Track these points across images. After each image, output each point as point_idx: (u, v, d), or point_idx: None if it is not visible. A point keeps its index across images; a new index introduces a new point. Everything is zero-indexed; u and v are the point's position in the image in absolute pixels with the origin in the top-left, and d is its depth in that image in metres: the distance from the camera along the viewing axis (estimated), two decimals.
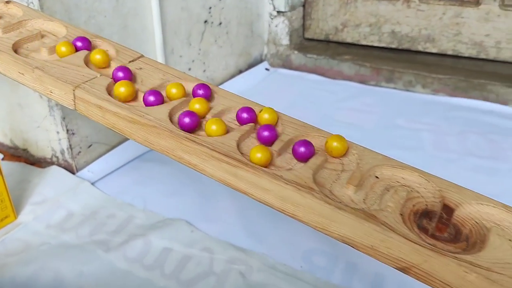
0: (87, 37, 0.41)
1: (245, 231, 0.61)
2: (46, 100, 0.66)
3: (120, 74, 0.36)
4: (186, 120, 0.32)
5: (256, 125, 0.33)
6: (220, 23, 0.90)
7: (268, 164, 0.30)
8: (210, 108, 0.34)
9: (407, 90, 0.95)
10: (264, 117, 0.33)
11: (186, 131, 0.32)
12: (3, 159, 0.75)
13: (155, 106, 0.33)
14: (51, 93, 0.36)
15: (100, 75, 0.36)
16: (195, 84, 0.36)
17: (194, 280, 0.54)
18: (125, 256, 0.57)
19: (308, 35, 1.10)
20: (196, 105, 0.33)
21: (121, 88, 0.33)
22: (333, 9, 1.03)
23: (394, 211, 0.28)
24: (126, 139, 0.76)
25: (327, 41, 1.09)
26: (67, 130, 0.68)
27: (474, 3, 0.92)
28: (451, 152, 0.76)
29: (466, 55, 0.97)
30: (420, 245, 0.26)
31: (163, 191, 0.68)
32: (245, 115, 0.32)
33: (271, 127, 0.32)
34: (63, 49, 0.37)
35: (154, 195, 0.68)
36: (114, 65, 0.38)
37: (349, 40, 1.06)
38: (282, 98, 0.95)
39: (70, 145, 0.69)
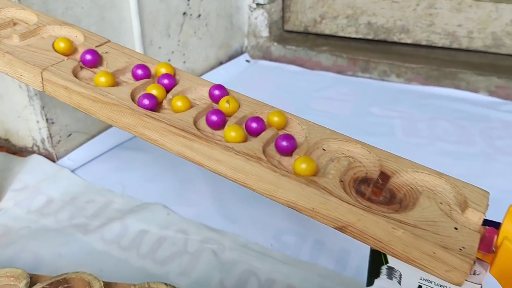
0: (58, 24, 0.43)
1: (219, 214, 0.64)
2: (26, 90, 0.68)
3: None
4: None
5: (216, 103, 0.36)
6: (199, 15, 0.92)
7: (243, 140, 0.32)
8: (168, 92, 0.36)
9: (382, 80, 0.98)
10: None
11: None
12: None
13: (117, 87, 0.35)
14: (21, 76, 0.38)
15: (67, 59, 0.38)
16: (160, 67, 0.39)
17: (168, 259, 0.56)
18: (102, 238, 0.59)
19: (287, 27, 1.12)
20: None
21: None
22: (311, 1, 1.06)
23: (334, 177, 0.30)
24: (106, 129, 0.78)
25: (306, 33, 1.11)
26: (47, 119, 0.70)
27: None
28: (421, 138, 0.78)
29: (440, 45, 1.00)
30: (354, 206, 0.28)
31: (141, 177, 0.71)
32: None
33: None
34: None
35: (132, 181, 0.70)
36: (81, 50, 0.40)
37: (327, 32, 1.08)
38: (261, 89, 0.98)
39: (50, 134, 0.71)
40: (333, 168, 0.31)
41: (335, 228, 0.29)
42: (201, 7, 0.92)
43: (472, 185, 0.31)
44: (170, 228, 0.61)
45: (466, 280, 0.27)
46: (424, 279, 0.29)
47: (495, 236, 0.28)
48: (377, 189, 0.30)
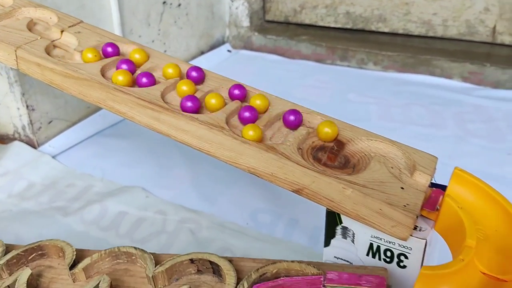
0: (33, 6, 0.44)
1: (197, 196, 0.65)
2: (6, 77, 0.69)
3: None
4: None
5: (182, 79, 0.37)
6: (179, 5, 0.93)
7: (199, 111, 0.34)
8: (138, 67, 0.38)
9: (360, 68, 1.00)
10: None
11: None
12: None
13: (88, 63, 0.37)
14: None
15: (40, 38, 0.40)
16: (132, 47, 0.40)
17: (147, 238, 0.58)
18: (82, 219, 0.60)
19: (268, 17, 1.14)
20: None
21: (119, 77, 0.35)
22: None
23: (292, 144, 0.32)
24: (86, 116, 0.79)
25: (287, 23, 1.13)
26: (27, 106, 0.71)
27: None
28: (395, 122, 0.81)
29: (416, 33, 1.02)
30: (309, 169, 0.30)
31: (121, 163, 0.72)
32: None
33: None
34: None
35: (112, 166, 0.71)
36: (55, 30, 0.41)
37: (307, 21, 1.10)
38: (243, 78, 0.99)
39: (31, 121, 0.72)
40: (292, 137, 0.33)
41: (293, 191, 0.31)
42: None
43: (421, 151, 0.33)
44: (149, 209, 0.62)
45: (412, 236, 0.29)
46: (374, 237, 0.31)
47: (441, 197, 0.31)
48: (332, 155, 0.32)
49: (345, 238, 0.32)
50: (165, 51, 0.93)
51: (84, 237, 0.57)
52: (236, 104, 0.35)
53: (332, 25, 1.08)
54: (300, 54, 1.05)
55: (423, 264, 0.29)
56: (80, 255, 0.33)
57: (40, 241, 0.35)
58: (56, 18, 0.43)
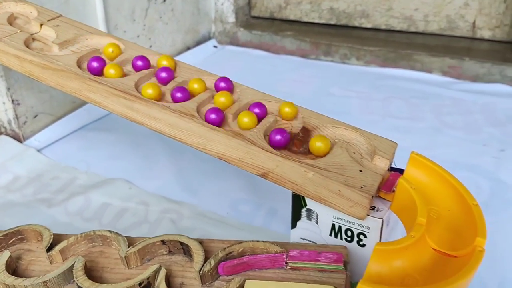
0: (13, 0, 0.45)
1: (180, 187, 0.67)
2: None
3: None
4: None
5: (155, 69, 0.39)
6: (164, 0, 0.95)
7: (160, 99, 0.36)
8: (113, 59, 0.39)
9: (343, 63, 1.02)
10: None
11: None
12: None
13: (64, 55, 0.38)
14: None
15: (20, 31, 0.41)
16: (108, 38, 0.41)
17: (129, 228, 0.59)
18: (66, 210, 0.62)
19: (254, 13, 1.15)
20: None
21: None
22: None
23: (259, 131, 0.34)
24: (71, 111, 0.81)
25: (272, 19, 1.14)
26: (12, 100, 0.72)
27: None
28: (375, 115, 0.83)
29: (398, 29, 1.04)
30: (273, 154, 0.32)
31: (105, 156, 0.73)
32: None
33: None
34: None
35: (97, 159, 0.72)
36: (34, 23, 0.43)
37: (292, 17, 1.12)
38: (229, 73, 1.00)
39: (16, 115, 0.73)
40: (260, 123, 0.35)
41: (259, 175, 0.33)
42: None
43: (382, 138, 0.35)
44: (132, 200, 0.64)
45: (370, 216, 0.31)
46: (336, 217, 0.33)
47: (398, 179, 0.32)
48: (298, 141, 0.34)
49: (310, 219, 0.34)
50: (150, 46, 0.94)
51: (68, 228, 0.59)
52: (208, 93, 0.37)
53: (316, 20, 1.10)
54: (285, 49, 1.07)
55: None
56: (57, 239, 0.35)
57: (20, 226, 0.36)
58: (36, 12, 0.44)
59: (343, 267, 0.29)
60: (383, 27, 1.05)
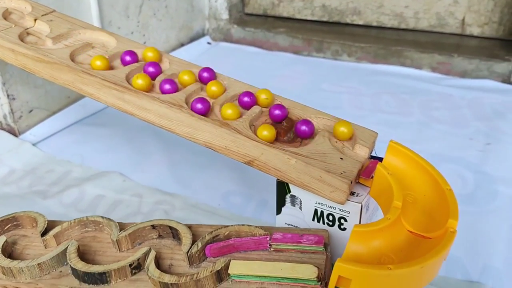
0: None
1: (173, 180, 0.68)
2: None
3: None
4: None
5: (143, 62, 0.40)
6: None
7: (150, 90, 0.37)
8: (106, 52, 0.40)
9: (335, 59, 1.04)
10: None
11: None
12: None
13: (57, 48, 0.39)
14: None
15: (14, 26, 0.42)
16: (100, 33, 0.43)
17: (123, 219, 0.60)
18: (61, 202, 0.63)
19: (248, 10, 1.17)
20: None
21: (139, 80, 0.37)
22: None
23: (245, 121, 0.35)
24: (66, 106, 0.82)
25: (265, 16, 1.16)
26: (8, 95, 0.73)
27: None
28: (364, 110, 0.85)
29: (389, 26, 1.06)
30: (258, 142, 0.33)
31: (100, 150, 0.74)
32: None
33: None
34: None
35: (91, 153, 0.74)
36: (29, 18, 0.44)
37: (285, 14, 1.13)
38: (222, 69, 1.02)
39: (12, 110, 0.74)
40: (246, 114, 0.36)
41: (245, 163, 0.34)
42: None
43: (363, 127, 0.37)
44: (125, 192, 0.65)
45: (349, 200, 0.33)
46: (318, 203, 0.34)
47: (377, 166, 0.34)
48: (282, 130, 0.36)
49: (294, 205, 0.36)
50: (144, 42, 0.95)
51: (63, 218, 0.60)
52: (196, 85, 0.38)
53: (309, 18, 1.12)
54: (278, 46, 1.09)
55: None
56: (51, 225, 0.36)
57: (15, 212, 0.38)
58: (30, 8, 0.46)
59: (323, 249, 0.31)
60: (374, 24, 1.07)
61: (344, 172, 0.32)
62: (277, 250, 0.31)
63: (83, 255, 0.33)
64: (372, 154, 0.37)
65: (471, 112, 0.84)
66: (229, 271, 0.30)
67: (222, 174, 0.69)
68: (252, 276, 0.29)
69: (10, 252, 0.35)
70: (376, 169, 0.32)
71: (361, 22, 1.08)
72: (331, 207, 0.34)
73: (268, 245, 0.31)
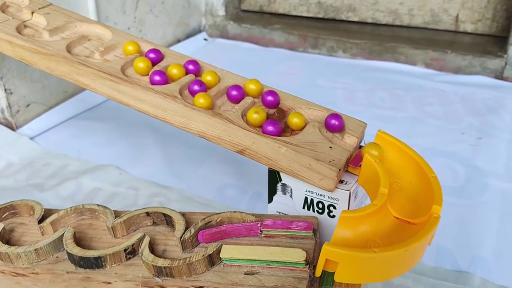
0: None
1: (168, 173, 0.69)
2: None
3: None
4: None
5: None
6: None
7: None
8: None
9: (330, 55, 1.05)
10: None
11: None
12: None
13: (54, 40, 0.40)
14: None
15: (12, 18, 0.43)
16: (96, 25, 0.44)
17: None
18: (58, 195, 0.64)
19: (244, 6, 1.17)
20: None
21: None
22: None
23: (237, 111, 0.36)
24: (63, 100, 0.83)
25: (261, 12, 1.17)
26: (5, 90, 0.74)
27: None
28: (359, 105, 0.86)
29: (384, 22, 1.07)
30: (250, 131, 0.34)
31: (97, 143, 0.75)
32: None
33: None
34: None
35: (88, 147, 0.74)
36: (26, 11, 0.45)
37: (281, 11, 1.14)
38: (218, 65, 1.03)
39: (9, 104, 0.75)
40: (238, 104, 0.37)
41: (237, 152, 0.35)
42: None
43: (353, 118, 0.38)
44: (122, 185, 0.66)
45: (338, 188, 0.34)
46: (308, 191, 0.35)
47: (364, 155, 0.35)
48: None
49: (285, 194, 0.37)
50: (141, 38, 0.96)
51: None
52: (190, 77, 0.39)
53: (305, 14, 1.12)
54: (274, 42, 1.09)
55: None
56: (48, 213, 0.37)
57: (12, 201, 0.38)
58: (27, 1, 0.46)
59: (312, 234, 0.32)
60: (369, 20, 1.08)
61: (332, 160, 0.33)
62: (268, 236, 0.32)
63: (79, 241, 0.34)
64: (361, 144, 0.38)
65: (463, 108, 0.85)
66: (220, 255, 0.31)
67: (217, 167, 0.70)
68: (242, 260, 0.30)
69: (8, 239, 0.36)
70: (364, 158, 0.33)
71: (356, 19, 1.09)
72: (320, 195, 0.34)
73: (259, 231, 0.32)
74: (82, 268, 0.32)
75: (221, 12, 1.11)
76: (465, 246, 0.54)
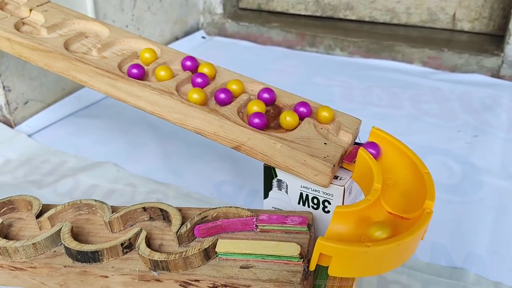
0: None
1: (166, 170, 0.70)
2: None
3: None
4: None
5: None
6: None
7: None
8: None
9: (327, 53, 1.05)
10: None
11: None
12: None
13: (52, 37, 0.41)
14: None
15: (10, 16, 0.43)
16: (94, 23, 0.44)
17: None
18: (56, 191, 0.64)
19: (242, 4, 1.18)
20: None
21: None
22: None
23: (233, 107, 0.37)
24: (61, 98, 0.83)
25: (259, 10, 1.17)
26: (4, 87, 0.74)
27: None
28: (356, 103, 0.86)
29: (381, 21, 1.07)
30: (245, 127, 0.35)
31: (95, 141, 0.76)
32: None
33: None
34: None
35: (86, 144, 0.75)
36: (24, 8, 0.45)
37: (279, 9, 1.15)
38: (216, 63, 1.03)
39: (7, 101, 0.75)
40: (234, 101, 0.38)
41: (232, 148, 0.36)
42: None
43: (347, 115, 0.38)
44: (119, 182, 0.66)
45: (333, 184, 0.34)
46: (303, 187, 0.35)
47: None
48: (270, 117, 0.37)
49: (280, 189, 0.37)
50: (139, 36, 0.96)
51: None
52: (186, 74, 0.39)
53: (302, 12, 1.13)
54: (272, 40, 1.10)
55: None
56: (46, 208, 0.37)
57: (11, 196, 0.39)
58: None
59: (307, 229, 0.32)
60: (367, 19, 1.08)
61: (327, 156, 0.33)
62: (263, 230, 0.33)
63: (77, 236, 0.35)
64: (356, 141, 0.38)
65: (460, 106, 0.85)
66: (216, 249, 0.31)
67: (215, 164, 0.70)
68: (238, 254, 0.31)
69: (6, 234, 0.36)
70: (358, 154, 0.33)
71: (353, 17, 1.09)
72: (315, 191, 0.35)
73: (254, 226, 0.33)
74: (79, 262, 0.33)
75: (219, 10, 1.12)
76: (460, 243, 0.54)
